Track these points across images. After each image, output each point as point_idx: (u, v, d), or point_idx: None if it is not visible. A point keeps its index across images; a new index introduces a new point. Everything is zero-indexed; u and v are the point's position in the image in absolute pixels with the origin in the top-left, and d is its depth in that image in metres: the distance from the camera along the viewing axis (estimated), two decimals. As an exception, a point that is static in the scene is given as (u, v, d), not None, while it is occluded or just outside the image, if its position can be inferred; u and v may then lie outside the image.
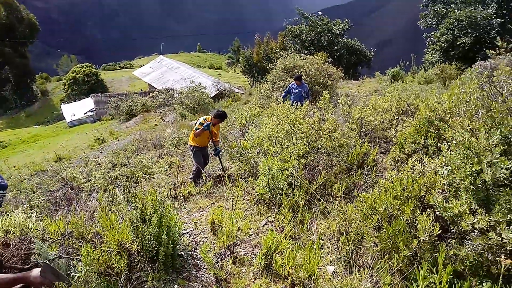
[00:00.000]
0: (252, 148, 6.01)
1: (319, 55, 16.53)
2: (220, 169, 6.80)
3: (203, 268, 3.35)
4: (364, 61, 27.16)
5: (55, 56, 77.16)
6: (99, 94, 30.44)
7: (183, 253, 3.62)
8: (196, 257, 3.60)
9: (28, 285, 2.37)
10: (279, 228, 3.60)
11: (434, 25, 21.57)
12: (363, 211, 2.76)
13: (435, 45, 20.12)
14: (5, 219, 3.45)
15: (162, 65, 33.37)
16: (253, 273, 3.01)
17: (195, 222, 4.55)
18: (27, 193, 7.95)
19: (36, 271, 2.33)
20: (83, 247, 3.18)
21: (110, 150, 13.59)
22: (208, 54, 76.79)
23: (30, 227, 3.41)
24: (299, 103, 6.27)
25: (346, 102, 6.73)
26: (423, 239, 2.38)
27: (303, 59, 14.07)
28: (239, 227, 3.80)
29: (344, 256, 2.81)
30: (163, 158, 9.64)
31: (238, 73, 46.25)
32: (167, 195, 5.49)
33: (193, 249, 3.80)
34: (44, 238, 3.53)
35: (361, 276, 2.62)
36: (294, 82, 9.66)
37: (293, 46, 24.95)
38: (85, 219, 4.71)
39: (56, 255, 3.18)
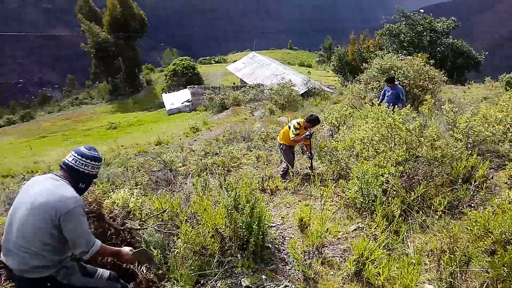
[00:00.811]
0: (343, 149, 5.88)
1: (419, 56, 15.32)
2: (308, 168, 6.78)
3: (290, 263, 3.40)
4: (472, 65, 24.31)
5: (159, 49, 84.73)
6: (195, 86, 32.67)
7: (270, 246, 3.71)
8: (283, 252, 3.67)
9: (120, 259, 2.59)
10: (371, 235, 3.47)
11: None
12: (474, 231, 2.50)
13: None
14: (114, 193, 3.94)
15: (254, 61, 34.40)
16: (342, 277, 2.96)
17: (282, 217, 4.64)
18: (133, 170, 8.91)
19: (127, 249, 2.53)
20: (183, 226, 3.49)
21: (203, 139, 14.54)
22: (299, 51, 76.75)
23: (130, 200, 3.82)
24: (393, 106, 5.93)
25: (451, 109, 6.15)
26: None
27: (401, 60, 13.20)
28: (327, 229, 3.77)
29: (446, 277, 2.59)
30: (252, 151, 9.95)
31: (328, 72, 45.42)
32: (256, 187, 5.65)
33: (280, 243, 3.88)
34: (141, 211, 3.85)
35: (465, 301, 2.40)
36: (386, 84, 9.15)
37: (390, 46, 23.53)
38: (182, 200, 5.15)
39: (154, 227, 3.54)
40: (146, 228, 3.53)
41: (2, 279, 2.84)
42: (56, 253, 2.20)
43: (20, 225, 2.15)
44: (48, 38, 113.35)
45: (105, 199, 3.41)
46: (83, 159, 2.33)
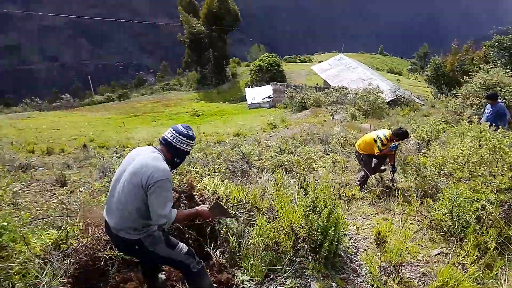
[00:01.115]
0: (432, 166, 5.45)
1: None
2: (388, 180, 6.43)
3: (362, 276, 3.28)
4: None
5: (247, 44, 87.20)
6: (278, 83, 32.99)
7: (342, 254, 3.62)
8: (355, 262, 3.55)
9: (200, 217, 2.81)
10: (459, 264, 3.17)
11: None
12: None
13: None
14: (205, 179, 4.18)
15: (340, 63, 33.54)
16: (420, 303, 2.77)
17: (357, 227, 4.48)
18: (213, 158, 9.36)
19: (205, 206, 2.69)
20: (259, 218, 3.57)
21: (279, 136, 14.66)
22: (389, 57, 72.74)
23: (220, 188, 4.02)
24: (494, 126, 5.31)
25: None
26: None
27: (510, 76, 11.72)
28: (407, 247, 3.54)
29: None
30: (328, 154, 9.75)
31: (419, 81, 42.33)
32: (332, 192, 5.53)
33: (353, 253, 3.75)
34: (228, 199, 4.02)
35: None
36: (487, 101, 8.21)
37: (498, 60, 20.97)
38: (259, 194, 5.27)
39: (236, 213, 3.67)
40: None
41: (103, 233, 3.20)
42: (146, 219, 2.42)
43: (120, 188, 2.42)
44: (150, 26, 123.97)
45: (198, 183, 3.64)
46: (180, 136, 2.52)
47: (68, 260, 2.60)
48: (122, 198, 2.40)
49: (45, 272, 2.36)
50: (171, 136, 2.52)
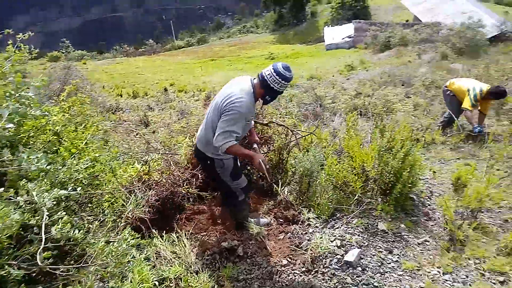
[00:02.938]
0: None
1: None
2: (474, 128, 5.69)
3: (434, 220, 3.14)
4: None
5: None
6: (361, 20, 30.34)
7: (415, 198, 3.47)
8: (428, 207, 3.39)
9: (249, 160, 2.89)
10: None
11: None
12: None
13: None
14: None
15: (438, -6, 29.28)
16: (497, 248, 2.58)
17: (434, 172, 4.21)
18: (285, 100, 9.31)
19: (260, 156, 2.60)
20: (328, 158, 3.53)
21: (357, 79, 13.88)
22: (498, -15, 61.43)
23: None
24: None
25: None
26: None
27: None
28: (489, 194, 3.24)
29: None
30: (410, 97, 9.03)
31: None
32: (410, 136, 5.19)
33: (427, 197, 3.58)
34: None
35: None
36: None
37: None
38: (329, 135, 5.19)
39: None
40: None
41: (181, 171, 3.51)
42: None
43: (210, 108, 2.66)
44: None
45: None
46: (277, 76, 2.50)
47: (150, 192, 2.92)
48: (208, 117, 2.63)
49: (129, 201, 2.66)
50: (269, 74, 2.51)
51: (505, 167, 3.97)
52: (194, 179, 3.38)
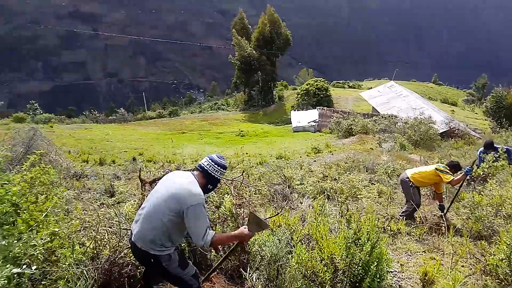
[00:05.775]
0: (487, 206, 5.07)
1: None
2: (439, 217, 6.04)
3: (405, 318, 3.08)
4: None
5: (295, 68, 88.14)
6: (324, 107, 32.74)
7: (384, 292, 3.44)
8: (399, 303, 3.35)
9: (242, 240, 2.85)
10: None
11: None
12: None
13: None
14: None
15: (391, 90, 32.60)
16: None
17: (401, 264, 4.25)
18: (254, 178, 9.40)
19: (242, 228, 2.78)
20: (297, 246, 3.50)
21: (323, 162, 14.41)
22: (444, 87, 69.29)
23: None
24: None
25: None
26: None
27: None
28: (456, 293, 3.28)
29: None
30: (374, 184, 9.41)
31: (475, 113, 39.94)
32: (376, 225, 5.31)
33: (396, 293, 3.56)
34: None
35: None
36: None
37: None
38: (298, 220, 5.19)
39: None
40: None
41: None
42: (168, 238, 2.62)
43: (152, 203, 2.65)
44: (203, 47, 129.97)
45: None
46: (215, 165, 2.76)
47: (99, 270, 2.87)
48: (151, 213, 2.61)
49: (80, 280, 2.56)
50: (207, 164, 2.76)
51: (468, 264, 4.09)
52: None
